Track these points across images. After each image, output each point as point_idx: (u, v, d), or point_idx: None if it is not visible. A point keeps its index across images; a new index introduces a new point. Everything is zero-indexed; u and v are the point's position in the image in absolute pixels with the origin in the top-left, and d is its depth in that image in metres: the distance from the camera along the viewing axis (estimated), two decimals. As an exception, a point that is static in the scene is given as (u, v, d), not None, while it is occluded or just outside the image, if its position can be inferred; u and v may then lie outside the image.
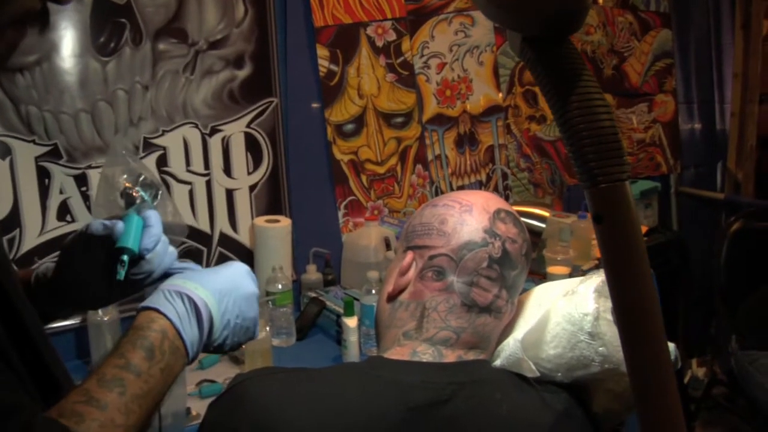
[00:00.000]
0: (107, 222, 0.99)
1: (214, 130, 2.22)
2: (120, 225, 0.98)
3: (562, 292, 1.12)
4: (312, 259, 2.40)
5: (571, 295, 1.09)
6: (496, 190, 2.89)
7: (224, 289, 0.95)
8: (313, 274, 2.36)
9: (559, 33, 0.65)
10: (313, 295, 2.27)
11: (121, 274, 0.95)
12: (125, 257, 0.96)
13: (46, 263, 1.04)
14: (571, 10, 0.63)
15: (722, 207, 3.54)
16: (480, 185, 2.84)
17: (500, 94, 2.87)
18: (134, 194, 1.02)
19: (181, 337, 0.88)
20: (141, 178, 1.04)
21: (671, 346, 1.13)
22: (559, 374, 1.09)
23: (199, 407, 1.75)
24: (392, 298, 1.14)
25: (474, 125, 2.80)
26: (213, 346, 0.96)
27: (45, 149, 1.94)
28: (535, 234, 2.28)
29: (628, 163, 0.64)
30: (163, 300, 0.89)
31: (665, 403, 0.63)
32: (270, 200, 2.36)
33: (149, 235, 1.00)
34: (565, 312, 1.07)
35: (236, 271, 0.99)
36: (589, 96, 0.63)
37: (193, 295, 0.91)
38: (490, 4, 0.64)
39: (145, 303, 0.88)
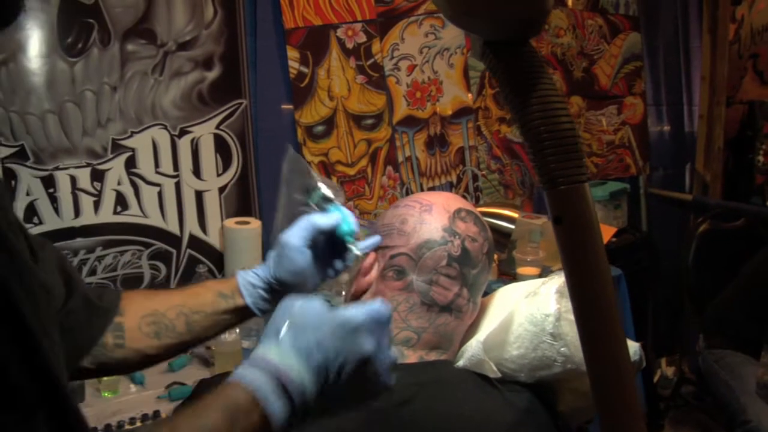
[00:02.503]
0: (327, 215, 1.08)
1: (183, 132, 2.21)
2: (338, 216, 1.08)
3: (525, 294, 1.14)
4: (282, 261, 2.40)
5: (533, 296, 1.10)
6: (466, 191, 2.90)
7: (329, 358, 0.77)
8: (283, 276, 2.36)
9: (520, 37, 0.66)
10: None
11: (358, 250, 1.09)
12: (352, 240, 1.09)
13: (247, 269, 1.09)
14: (532, 15, 0.64)
15: (690, 208, 3.58)
16: (450, 187, 2.86)
17: (470, 96, 2.88)
18: (330, 195, 1.12)
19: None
20: (320, 178, 1.14)
21: (635, 345, 1.15)
22: (522, 374, 1.10)
23: (168, 410, 1.74)
24: (355, 299, 1.15)
25: (444, 127, 2.82)
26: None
27: (11, 150, 1.92)
28: (504, 235, 2.29)
29: (586, 165, 0.65)
30: (270, 394, 0.73)
31: (624, 400, 0.64)
32: (240, 202, 2.35)
33: (354, 221, 1.10)
34: (528, 313, 1.08)
35: (351, 329, 0.79)
36: (549, 99, 0.64)
37: (291, 387, 0.74)
38: (453, 9, 0.65)
39: (241, 377, 0.74)
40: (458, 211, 1.16)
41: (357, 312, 0.80)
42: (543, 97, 0.64)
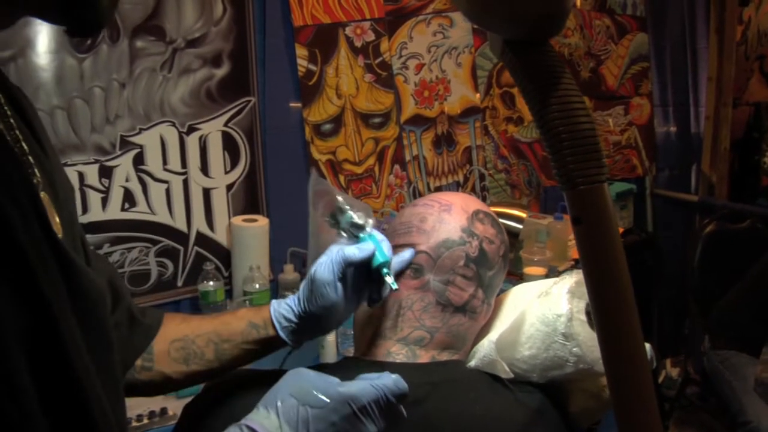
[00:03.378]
0: (360, 246, 1.04)
1: (191, 129, 2.21)
2: (371, 247, 1.04)
3: (537, 294, 1.13)
4: (289, 259, 2.40)
5: (544, 296, 1.10)
6: (473, 191, 2.90)
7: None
8: (290, 273, 2.35)
9: (540, 36, 0.66)
10: (290, 294, 2.27)
11: (395, 284, 1.03)
12: (387, 271, 1.03)
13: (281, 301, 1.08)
14: (553, 13, 0.64)
15: (696, 209, 3.58)
16: (457, 186, 2.86)
17: (478, 96, 2.88)
18: (360, 221, 1.08)
19: None
20: (348, 200, 1.12)
21: (647, 346, 1.15)
22: (534, 375, 1.10)
23: (175, 407, 1.74)
24: None
25: (452, 126, 2.82)
26: None
27: (20, 146, 1.91)
28: (512, 235, 2.29)
29: (606, 165, 0.65)
30: None
31: (642, 401, 0.64)
32: (247, 199, 2.35)
33: (388, 248, 1.06)
34: (539, 313, 1.08)
35: (357, 408, 0.81)
36: (569, 99, 0.64)
37: None
38: (472, 7, 0.65)
39: None
40: (477, 212, 1.16)
41: (365, 389, 0.82)
42: (563, 96, 0.64)
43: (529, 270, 2.33)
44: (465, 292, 1.11)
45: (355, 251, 1.03)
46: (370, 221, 1.09)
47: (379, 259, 1.04)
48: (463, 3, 0.65)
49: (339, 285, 1.02)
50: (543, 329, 1.07)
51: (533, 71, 0.64)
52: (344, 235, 1.09)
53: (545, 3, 0.63)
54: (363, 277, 1.05)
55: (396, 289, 1.04)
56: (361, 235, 1.07)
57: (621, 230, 2.81)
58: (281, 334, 1.04)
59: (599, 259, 0.63)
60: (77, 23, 0.62)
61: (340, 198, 1.11)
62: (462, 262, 1.11)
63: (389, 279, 1.03)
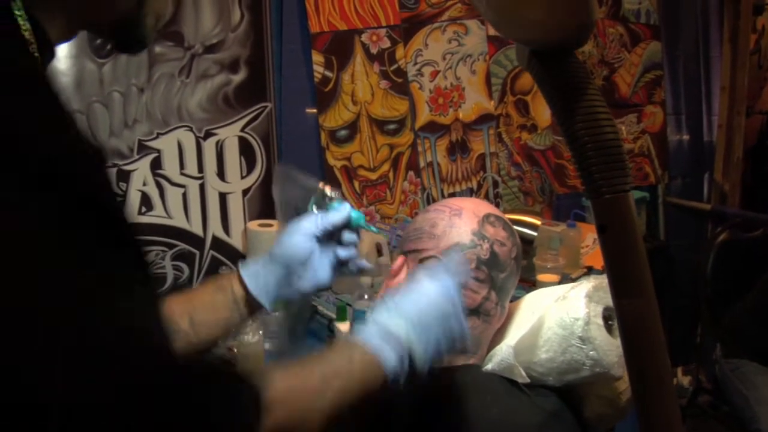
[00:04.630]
0: (337, 209, 1.08)
1: (208, 134, 2.23)
2: (347, 208, 1.09)
3: (554, 298, 1.14)
4: (304, 264, 2.41)
5: (562, 300, 1.11)
6: (486, 197, 2.90)
7: (429, 325, 0.90)
8: (304, 278, 2.36)
9: (567, 46, 0.67)
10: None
11: (374, 227, 1.13)
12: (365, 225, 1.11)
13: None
14: (580, 24, 0.65)
15: (709, 217, 3.57)
16: (471, 193, 2.86)
17: (492, 103, 2.89)
18: (334, 196, 1.12)
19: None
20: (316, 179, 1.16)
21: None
22: (551, 378, 1.11)
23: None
24: None
25: (466, 133, 2.82)
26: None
27: (40, 150, 1.94)
28: (526, 242, 2.29)
29: (630, 174, 0.65)
30: (381, 342, 0.86)
31: (665, 411, 0.64)
32: (263, 205, 2.36)
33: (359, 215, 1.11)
34: (557, 317, 1.09)
35: (437, 300, 0.92)
36: (594, 109, 0.65)
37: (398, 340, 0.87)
38: (501, 18, 0.66)
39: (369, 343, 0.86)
40: (487, 216, 1.17)
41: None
42: (588, 107, 0.65)
43: (542, 277, 2.33)
44: (478, 295, 1.13)
45: (333, 214, 1.06)
46: (337, 192, 1.13)
47: (354, 217, 1.09)
48: (491, 14, 0.66)
49: (314, 241, 1.04)
50: (560, 332, 1.08)
51: (559, 81, 0.66)
52: (315, 211, 1.11)
53: (572, 14, 0.64)
54: (334, 241, 1.08)
55: (378, 232, 1.09)
56: (334, 204, 1.10)
57: (634, 238, 2.81)
58: (250, 287, 1.05)
59: (624, 266, 0.64)
60: (125, 42, 0.69)
61: (309, 177, 1.16)
62: (473, 264, 1.12)
63: (369, 226, 1.12)
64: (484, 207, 1.21)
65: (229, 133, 2.27)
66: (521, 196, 3.01)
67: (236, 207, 2.31)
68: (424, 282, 0.93)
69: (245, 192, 2.33)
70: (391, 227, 2.54)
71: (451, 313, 0.92)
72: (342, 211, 1.06)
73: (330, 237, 1.06)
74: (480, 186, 2.89)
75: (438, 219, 1.17)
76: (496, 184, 2.93)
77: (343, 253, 1.06)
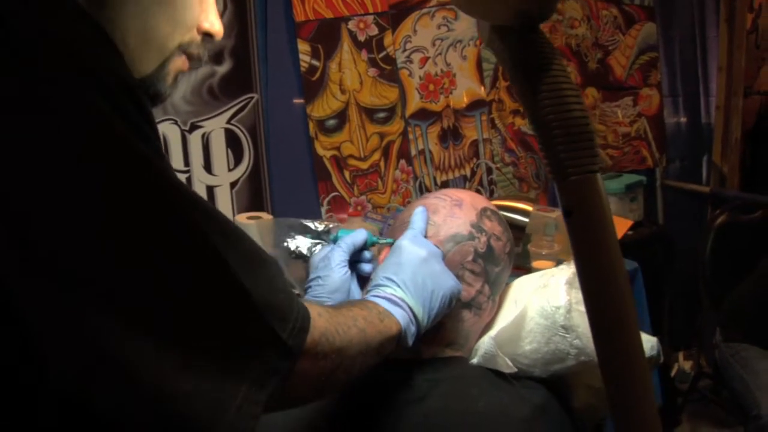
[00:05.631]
0: (353, 233, 1.16)
1: (193, 127, 2.20)
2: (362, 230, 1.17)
3: (536, 286, 1.13)
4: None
5: (542, 288, 1.09)
6: (480, 185, 2.87)
7: (424, 285, 1.01)
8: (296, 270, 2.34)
9: (529, 21, 0.63)
10: (296, 292, 2.26)
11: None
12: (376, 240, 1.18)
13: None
14: (541, -2, 0.61)
15: (707, 200, 3.54)
16: (464, 180, 2.83)
17: (483, 89, 2.85)
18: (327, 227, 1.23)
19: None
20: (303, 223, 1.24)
21: (653, 340, 1.13)
22: (537, 370, 1.09)
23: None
24: None
25: (458, 120, 2.79)
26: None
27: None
28: (518, 228, 2.26)
29: (599, 154, 0.62)
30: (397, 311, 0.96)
31: (638, 396, 0.61)
32: (251, 197, 2.34)
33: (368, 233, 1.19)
34: (538, 306, 1.08)
35: (419, 257, 1.03)
36: (559, 86, 0.61)
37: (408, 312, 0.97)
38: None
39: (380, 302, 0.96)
40: (485, 209, 1.18)
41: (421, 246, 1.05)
42: (553, 84, 0.61)
43: (537, 263, 2.30)
44: (472, 288, 1.12)
45: (356, 235, 1.13)
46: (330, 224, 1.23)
47: (371, 236, 1.16)
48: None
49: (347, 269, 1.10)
50: (542, 322, 1.06)
51: (521, 58, 0.62)
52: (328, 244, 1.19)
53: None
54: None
55: (390, 242, 1.14)
56: (338, 234, 1.19)
57: (631, 223, 2.77)
58: None
59: (591, 253, 0.61)
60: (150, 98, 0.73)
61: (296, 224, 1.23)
62: (471, 257, 1.12)
63: (383, 240, 1.16)
64: (481, 200, 1.21)
65: (215, 126, 2.24)
66: (516, 182, 2.98)
67: (224, 200, 2.29)
68: (408, 248, 1.04)
69: (233, 185, 2.30)
70: (383, 216, 2.51)
71: (441, 271, 1.03)
72: (359, 232, 1.14)
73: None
74: (474, 173, 2.86)
75: (440, 206, 1.16)
76: (489, 171, 2.90)
77: (367, 268, 1.13)
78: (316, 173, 2.47)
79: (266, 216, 2.30)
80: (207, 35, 0.78)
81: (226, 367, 0.63)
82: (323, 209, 2.49)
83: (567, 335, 1.04)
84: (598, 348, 0.61)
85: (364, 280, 1.12)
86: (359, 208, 2.56)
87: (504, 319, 1.14)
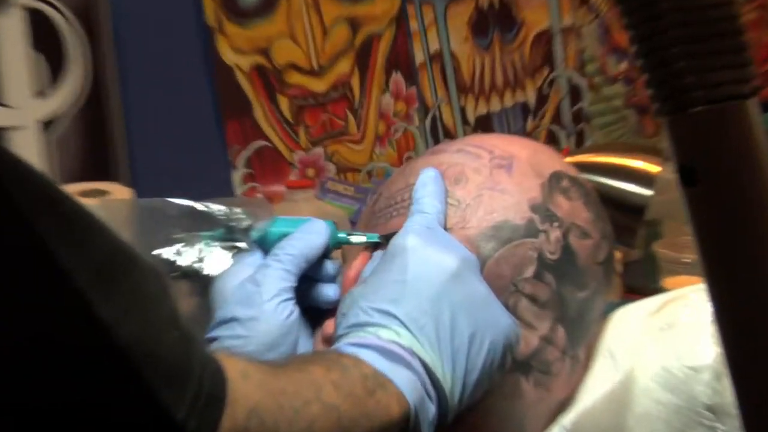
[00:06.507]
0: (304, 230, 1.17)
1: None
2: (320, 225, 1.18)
3: (655, 326, 1.15)
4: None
5: (666, 332, 1.11)
6: (557, 122, 2.91)
7: (452, 324, 1.00)
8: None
9: None
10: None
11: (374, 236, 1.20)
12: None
13: None
14: None
15: None
16: (525, 112, 2.87)
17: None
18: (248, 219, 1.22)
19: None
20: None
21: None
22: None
23: None
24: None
25: (510, -9, 2.84)
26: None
27: None
28: (631, 211, 2.29)
29: (751, 63, 0.65)
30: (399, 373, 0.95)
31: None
32: (87, 152, 2.37)
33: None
34: (659, 368, 1.10)
35: (442, 271, 1.03)
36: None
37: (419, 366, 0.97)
38: None
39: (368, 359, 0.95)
40: (558, 176, 1.19)
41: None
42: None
43: (673, 281, 2.32)
44: (533, 332, 1.13)
45: (309, 233, 1.14)
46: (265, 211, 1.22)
47: (336, 233, 1.18)
48: None
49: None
50: (668, 399, 1.09)
51: None
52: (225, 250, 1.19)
53: None
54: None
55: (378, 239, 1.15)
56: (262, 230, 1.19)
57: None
58: None
59: (733, 244, 0.64)
60: None
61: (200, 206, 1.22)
62: (532, 269, 1.13)
63: (357, 239, 1.18)
64: (550, 159, 1.22)
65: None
66: (629, 114, 3.02)
67: (29, 157, 2.32)
68: (419, 253, 1.03)
69: (47, 126, 2.32)
70: (358, 189, 2.54)
71: (485, 297, 1.04)
72: (314, 225, 1.16)
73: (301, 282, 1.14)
74: (543, 97, 2.90)
75: (467, 169, 1.17)
76: (576, 93, 2.94)
77: (332, 294, 1.16)
78: (221, 103, 2.50)
79: (118, 190, 2.33)
80: None
81: None
82: (237, 174, 2.53)
83: (717, 425, 1.07)
84: (737, 392, 0.66)
85: (323, 317, 1.14)
86: (310, 172, 2.60)
87: (591, 390, 1.17)
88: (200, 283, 1.18)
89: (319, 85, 2.62)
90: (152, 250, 1.19)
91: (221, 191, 2.52)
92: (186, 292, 1.24)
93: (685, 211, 0.64)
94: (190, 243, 1.19)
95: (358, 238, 1.15)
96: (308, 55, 2.59)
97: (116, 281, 0.71)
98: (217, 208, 1.21)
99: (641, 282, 2.36)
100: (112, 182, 2.38)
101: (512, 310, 1.09)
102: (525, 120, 2.85)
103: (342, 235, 1.16)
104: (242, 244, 1.19)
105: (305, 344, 1.11)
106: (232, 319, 1.06)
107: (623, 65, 3.00)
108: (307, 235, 1.12)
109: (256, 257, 1.13)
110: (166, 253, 1.18)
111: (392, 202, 1.19)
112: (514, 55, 2.85)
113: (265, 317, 1.06)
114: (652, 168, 2.46)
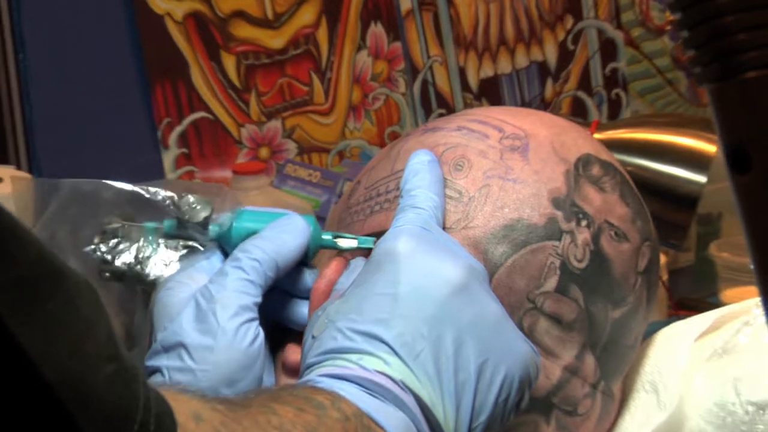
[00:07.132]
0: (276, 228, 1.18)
1: None
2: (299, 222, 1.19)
3: (708, 351, 1.16)
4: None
5: (724, 357, 1.13)
6: (584, 89, 2.93)
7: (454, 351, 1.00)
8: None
9: None
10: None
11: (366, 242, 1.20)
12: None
13: None
14: None
15: None
16: (542, 77, 2.89)
17: None
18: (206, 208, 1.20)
19: None
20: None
21: None
22: None
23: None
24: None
25: None
26: None
27: None
28: (680, 204, 2.30)
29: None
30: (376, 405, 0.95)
31: None
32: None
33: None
34: (712, 405, 1.12)
35: (444, 284, 1.02)
36: None
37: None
38: None
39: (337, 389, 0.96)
40: (586, 161, 1.20)
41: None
42: None
43: (733, 293, 2.34)
44: (555, 362, 1.14)
45: (281, 230, 1.15)
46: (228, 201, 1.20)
47: (319, 231, 1.19)
48: None
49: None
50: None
51: None
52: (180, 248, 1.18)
53: None
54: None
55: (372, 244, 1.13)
56: (220, 227, 1.18)
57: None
58: None
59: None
60: None
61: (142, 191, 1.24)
62: (553, 281, 1.14)
63: (347, 243, 1.18)
64: (578, 137, 1.23)
65: None
66: (677, 78, 3.04)
67: None
68: (413, 260, 1.03)
69: None
70: (325, 175, 2.56)
71: (498, 318, 1.03)
72: (290, 220, 1.17)
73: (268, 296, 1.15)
74: (567, 54, 2.92)
75: (473, 149, 1.19)
76: (610, 50, 2.96)
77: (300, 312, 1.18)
78: (147, 63, 2.52)
79: (16, 176, 2.35)
80: None
81: None
82: (168, 155, 2.54)
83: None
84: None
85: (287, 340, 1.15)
86: (264, 153, 2.61)
87: (627, 423, 1.19)
88: (141, 288, 1.18)
89: (274, 40, 2.63)
90: (81, 248, 1.18)
91: (147, 177, 2.51)
92: (120, 301, 1.21)
93: (735, 204, 0.65)
94: (128, 237, 1.18)
95: (348, 242, 1.15)
96: (261, 0, 2.61)
97: (38, 302, 0.68)
98: (165, 194, 1.21)
99: (693, 294, 2.39)
100: (4, 166, 2.39)
101: (528, 332, 1.09)
102: (543, 85, 2.86)
103: (327, 236, 1.16)
104: (195, 243, 1.18)
105: (270, 376, 1.12)
106: (179, 345, 1.06)
107: (668, 18, 3.02)
108: (280, 234, 1.12)
109: (214, 260, 1.14)
110: (98, 249, 1.17)
111: (374, 193, 1.21)
112: (529, 0, 2.87)
113: (221, 345, 1.05)
114: (708, 148, 2.48)
